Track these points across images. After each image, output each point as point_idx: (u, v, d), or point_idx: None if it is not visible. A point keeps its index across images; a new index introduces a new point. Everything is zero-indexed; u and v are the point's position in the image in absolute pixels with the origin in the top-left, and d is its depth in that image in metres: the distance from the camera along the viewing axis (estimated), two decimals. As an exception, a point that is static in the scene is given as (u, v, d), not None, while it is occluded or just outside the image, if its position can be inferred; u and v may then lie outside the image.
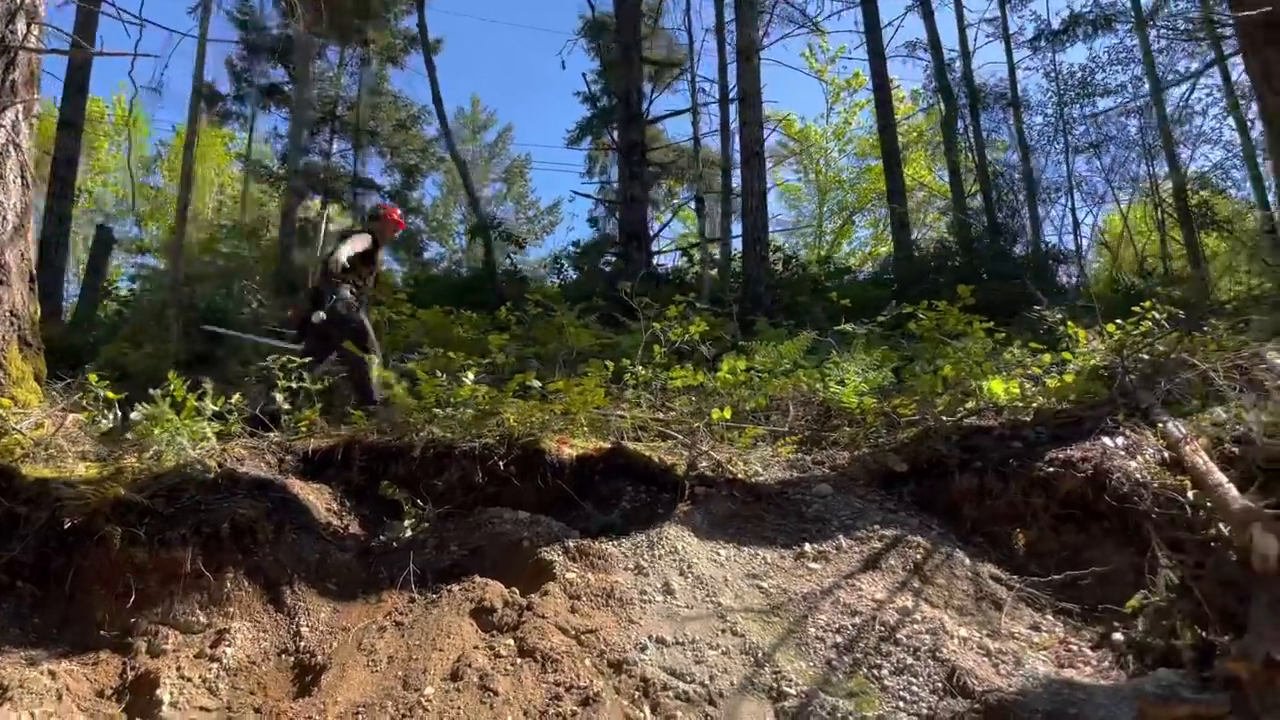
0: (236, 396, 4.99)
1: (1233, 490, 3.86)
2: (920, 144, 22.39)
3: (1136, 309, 6.17)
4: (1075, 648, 3.64)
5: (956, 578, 4.05)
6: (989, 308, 9.44)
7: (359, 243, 6.55)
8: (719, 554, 4.15)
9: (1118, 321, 6.17)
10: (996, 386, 5.53)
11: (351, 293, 6.38)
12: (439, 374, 5.30)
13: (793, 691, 3.23)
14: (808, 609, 3.74)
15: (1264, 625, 3.31)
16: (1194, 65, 16.65)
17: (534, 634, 3.50)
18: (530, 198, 40.41)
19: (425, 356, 5.95)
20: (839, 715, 3.09)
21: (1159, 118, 17.63)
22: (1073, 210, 16.71)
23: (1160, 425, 4.61)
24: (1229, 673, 3.14)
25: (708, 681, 3.29)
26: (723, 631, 3.58)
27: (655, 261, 15.42)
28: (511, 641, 3.50)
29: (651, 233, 16.04)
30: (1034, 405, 5.31)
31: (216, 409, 4.81)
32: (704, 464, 4.97)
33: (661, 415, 5.79)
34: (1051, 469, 4.46)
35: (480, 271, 15.15)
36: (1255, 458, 4.26)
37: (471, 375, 5.00)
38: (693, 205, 18.31)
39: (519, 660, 3.38)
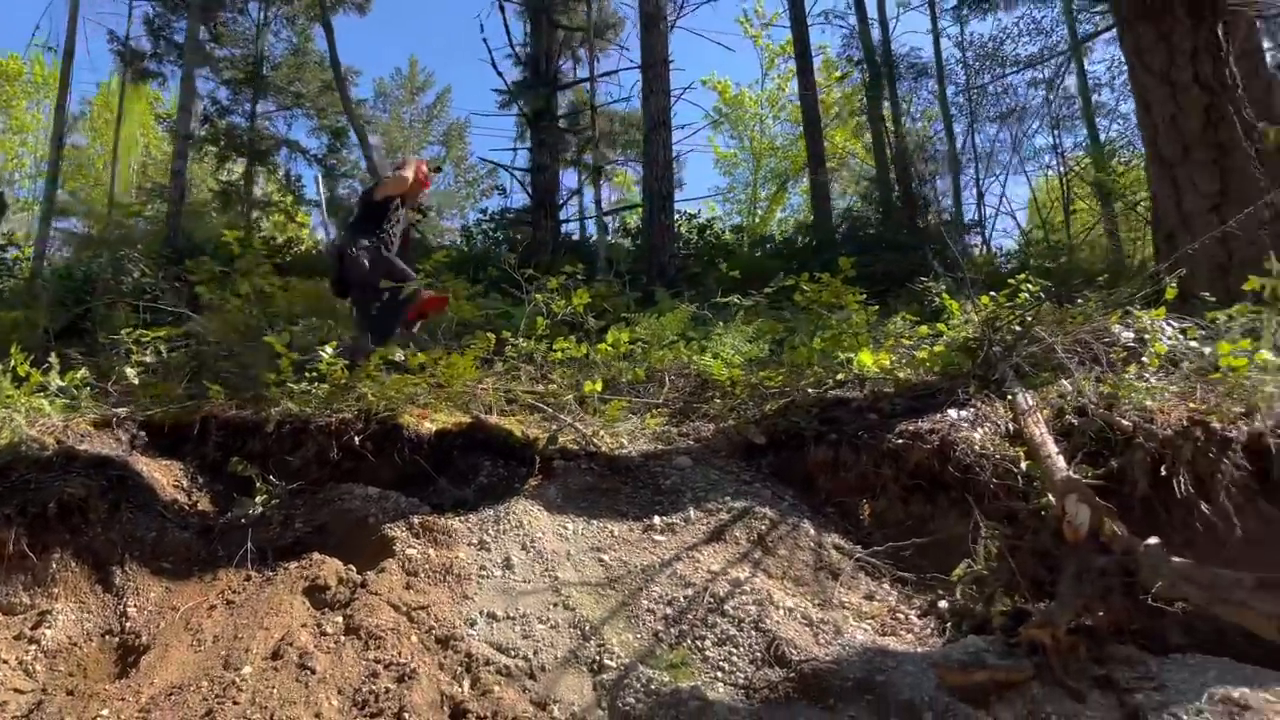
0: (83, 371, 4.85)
1: (1060, 461, 3.98)
2: (846, 113, 22.49)
3: (1011, 281, 6.27)
4: (902, 616, 3.73)
5: (800, 549, 4.12)
6: (891, 278, 9.58)
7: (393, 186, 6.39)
8: (566, 528, 4.16)
9: (991, 294, 6.27)
10: (866, 358, 5.60)
11: (369, 243, 6.17)
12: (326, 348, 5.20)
13: (613, 664, 3.26)
14: (644, 582, 3.77)
15: (1069, 593, 3.42)
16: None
17: (363, 611, 3.49)
18: (469, 161, 39.75)
19: (297, 328, 5.85)
20: (654, 686, 3.13)
21: (1080, 88, 17.95)
22: (978, 182, 16.98)
23: (1010, 397, 4.71)
24: (1033, 639, 3.24)
25: (531, 656, 3.31)
26: (555, 605, 3.60)
27: (564, 230, 15.29)
28: (340, 619, 3.49)
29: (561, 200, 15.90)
30: (899, 377, 5.39)
31: (64, 383, 4.67)
32: (569, 437, 4.97)
33: (539, 388, 5.78)
34: (901, 441, 4.54)
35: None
36: (1089, 429, 4.38)
37: (331, 349, 4.91)
38: (635, 176, 18.13)
39: (343, 638, 3.37)
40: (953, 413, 4.60)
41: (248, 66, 22.87)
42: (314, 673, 3.15)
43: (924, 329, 6.25)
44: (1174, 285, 5.10)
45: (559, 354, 6.09)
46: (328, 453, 4.68)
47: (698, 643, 3.40)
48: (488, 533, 4.05)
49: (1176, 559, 3.78)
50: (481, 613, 3.54)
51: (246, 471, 4.54)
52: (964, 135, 17.31)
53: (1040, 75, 17.31)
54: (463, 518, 4.19)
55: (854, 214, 14.97)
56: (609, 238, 14.66)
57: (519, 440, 4.90)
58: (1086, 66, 18.42)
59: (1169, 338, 4.74)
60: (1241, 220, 5.49)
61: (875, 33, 17.90)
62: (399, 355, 5.01)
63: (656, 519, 4.27)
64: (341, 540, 4.10)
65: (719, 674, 3.25)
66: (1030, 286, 6.13)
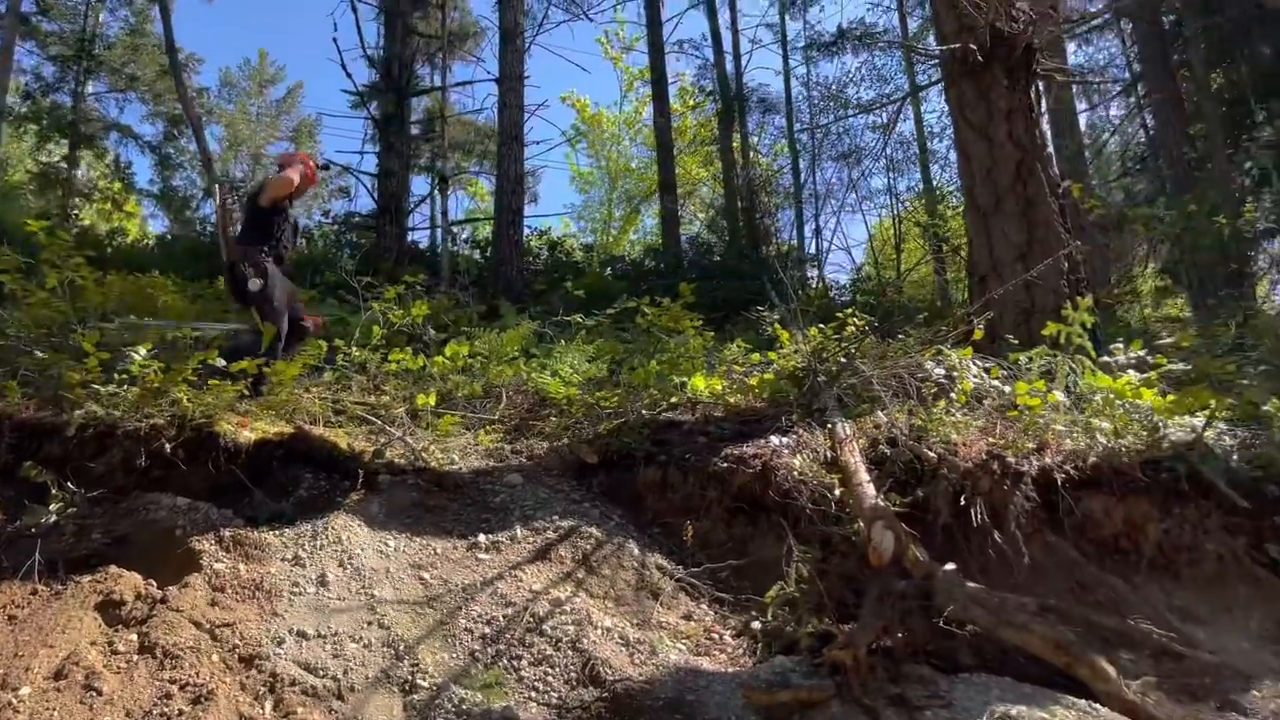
0: None
1: (870, 489, 4.19)
2: (698, 141, 23.02)
3: (839, 315, 6.57)
4: (717, 636, 3.83)
5: (623, 568, 4.17)
6: (731, 305, 9.84)
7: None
8: (387, 544, 4.07)
9: (820, 326, 6.55)
10: (699, 383, 5.75)
11: (265, 251, 5.81)
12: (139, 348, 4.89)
13: (426, 684, 3.21)
14: (464, 600, 3.73)
15: (870, 616, 3.61)
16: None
17: (161, 629, 3.31)
18: (319, 160, 38.30)
19: (111, 326, 5.51)
20: (466, 707, 3.11)
21: (916, 134, 19.03)
22: (816, 217, 17.78)
23: (830, 426, 4.93)
24: (835, 660, 3.39)
25: (341, 675, 3.22)
26: (370, 624, 3.52)
27: (411, 239, 15.03)
28: (135, 637, 3.29)
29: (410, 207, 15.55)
30: (730, 402, 5.55)
31: None
32: (397, 451, 4.88)
33: (370, 399, 5.64)
34: (726, 464, 4.68)
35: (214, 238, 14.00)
36: (899, 459, 4.64)
37: (144, 350, 4.64)
38: (490, 187, 17.88)
39: (136, 657, 3.19)
40: (776, 439, 4.78)
41: (77, 43, 21.47)
42: (100, 694, 2.96)
43: (756, 356, 6.47)
44: (982, 327, 5.47)
45: (394, 365, 5.97)
46: (135, 459, 4.40)
47: (514, 662, 3.39)
48: (304, 548, 3.92)
49: (971, 584, 4.05)
50: (291, 631, 3.42)
51: (41, 477, 4.22)
52: (807, 171, 18.09)
53: (878, 119, 18.30)
54: (278, 532, 4.03)
55: (700, 241, 15.35)
56: (458, 249, 14.47)
57: (344, 453, 4.77)
58: (923, 114, 19.62)
59: (975, 376, 5.08)
60: (1044, 270, 5.94)
61: (729, 65, 18.48)
62: (219, 361, 4.77)
63: (482, 537, 4.24)
64: (144, 553, 3.86)
65: (533, 694, 3.25)
66: (856, 321, 6.44)
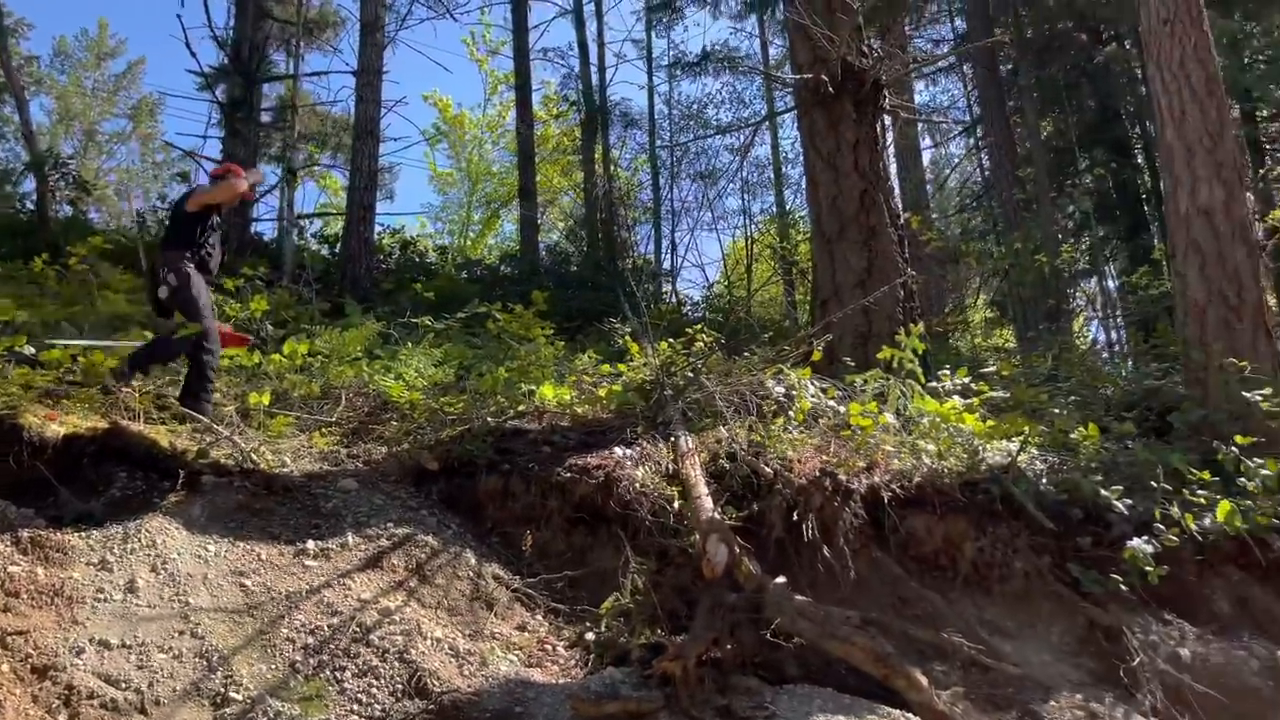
0: None
1: (708, 502, 4.26)
2: (560, 150, 22.98)
3: (689, 330, 6.68)
4: (551, 647, 3.81)
5: (458, 578, 4.09)
6: (586, 315, 9.84)
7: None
8: (207, 549, 3.85)
9: (670, 340, 6.64)
10: (548, 392, 5.72)
11: (188, 257, 5.59)
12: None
13: (240, 697, 3.06)
14: (287, 609, 3.57)
15: (701, 627, 3.66)
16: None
17: (-58, 638, 3.02)
18: (157, 142, 36.18)
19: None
20: (282, 721, 2.97)
21: (773, 158, 19.60)
22: (672, 231, 18.10)
23: (672, 439, 4.99)
24: (665, 671, 3.43)
25: (145, 688, 3.02)
26: (181, 633, 3.32)
27: (255, 230, 14.33)
28: (-92, 647, 3.00)
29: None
30: (578, 412, 5.55)
31: None
32: (224, 451, 4.64)
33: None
34: (569, 474, 4.67)
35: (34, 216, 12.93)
36: (738, 474, 4.75)
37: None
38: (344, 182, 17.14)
39: (-91, 669, 2.90)
40: (619, 450, 4.80)
41: None
42: None
43: (606, 368, 6.50)
44: (822, 349, 5.67)
45: (225, 361, 5.68)
46: (-78, 454, 4.03)
47: (336, 674, 3.27)
48: (112, 551, 3.66)
49: (800, 598, 4.18)
50: (92, 640, 3.18)
51: None
52: (666, 188, 18.39)
53: (736, 142, 18.79)
54: (84, 534, 3.75)
55: (558, 249, 15.34)
56: (305, 243, 13.90)
57: (165, 451, 4.50)
58: (779, 140, 20.25)
59: (812, 395, 5.26)
60: (881, 297, 6.22)
61: (594, 77, 18.57)
62: (29, 349, 4.42)
63: (311, 543, 4.07)
64: (-75, 555, 3.53)
65: (355, 706, 3.14)
66: (704, 337, 6.57)
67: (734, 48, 19.42)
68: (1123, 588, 4.76)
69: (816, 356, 5.59)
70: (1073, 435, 5.95)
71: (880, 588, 4.59)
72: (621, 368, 6.38)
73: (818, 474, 4.70)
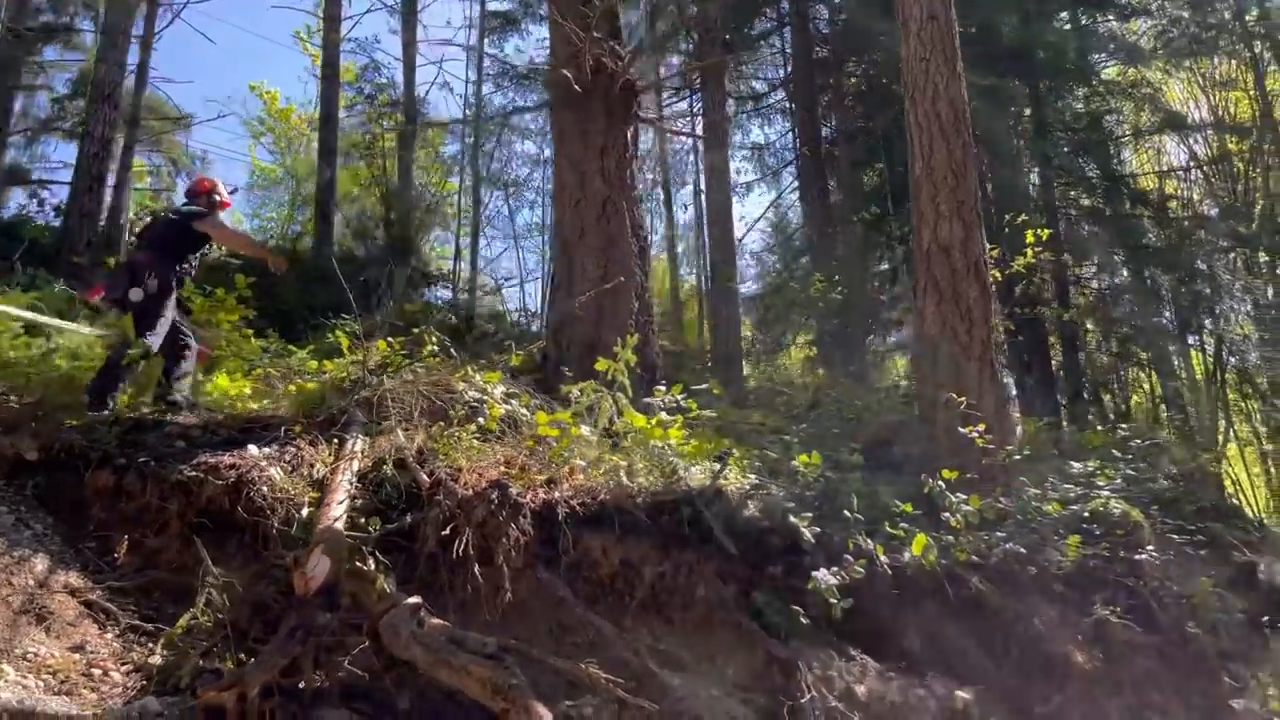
0: None
1: (336, 510, 3.78)
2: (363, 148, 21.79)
3: (415, 330, 6.20)
4: (102, 671, 3.23)
5: (12, 587, 3.44)
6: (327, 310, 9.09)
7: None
8: None
9: (389, 340, 6.13)
10: (223, 382, 5.11)
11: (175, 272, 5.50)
12: None
13: None
14: None
15: (274, 652, 3.17)
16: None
17: None
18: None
19: None
20: None
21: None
22: (456, 235, 17.62)
23: (336, 441, 4.50)
24: (211, 702, 2.91)
25: None
26: None
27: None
28: None
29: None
30: (251, 407, 4.97)
31: None
32: None
33: None
34: (193, 473, 4.08)
35: None
36: (401, 482, 4.29)
37: None
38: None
39: None
40: (255, 449, 4.25)
41: None
42: None
43: (314, 364, 5.94)
44: (520, 354, 5.31)
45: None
46: None
47: None
48: None
49: (437, 620, 3.74)
50: None
51: None
52: (470, 195, 17.91)
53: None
54: None
55: (343, 246, 14.49)
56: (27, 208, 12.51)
57: None
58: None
59: (502, 402, 4.86)
60: (614, 307, 5.93)
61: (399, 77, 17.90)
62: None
63: None
64: None
65: None
66: (432, 338, 6.10)
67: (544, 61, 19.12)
68: (803, 620, 4.57)
69: (515, 361, 5.21)
70: (793, 462, 5.80)
71: (541, 612, 4.21)
72: (329, 365, 5.83)
73: (485, 486, 4.28)
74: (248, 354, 5.79)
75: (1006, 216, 8.60)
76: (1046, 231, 7.88)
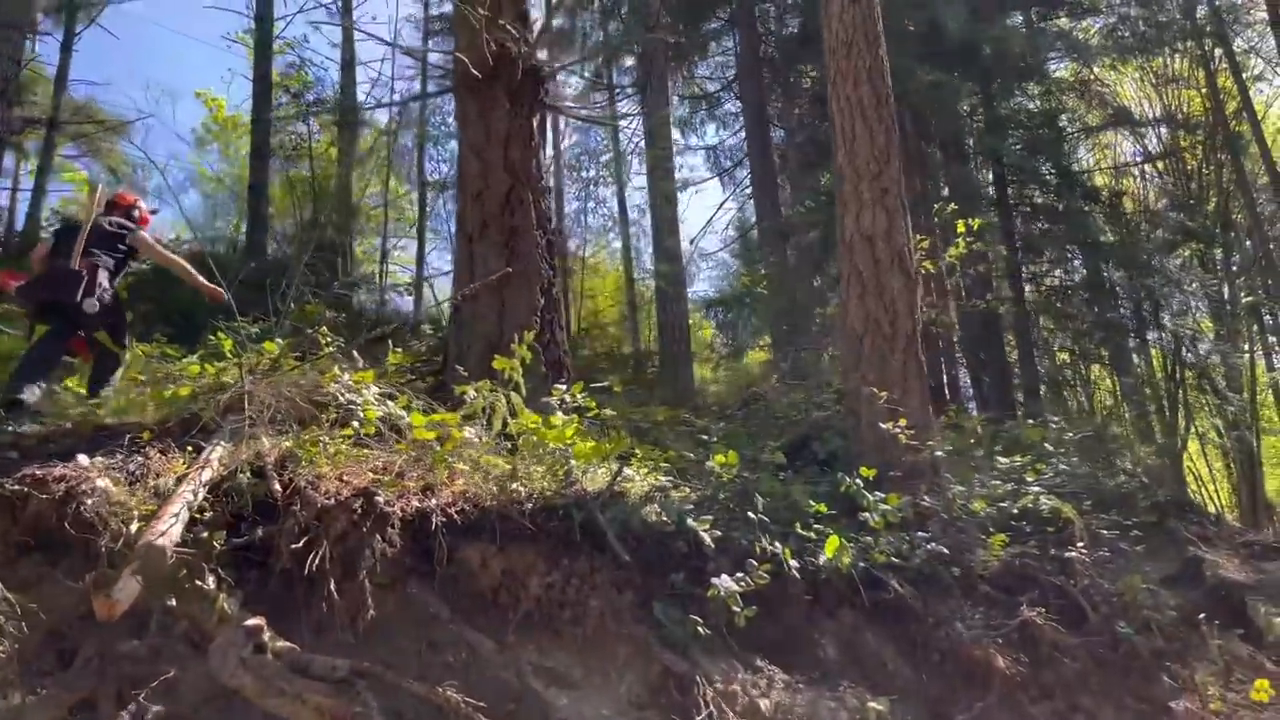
0: None
1: (164, 524, 3.42)
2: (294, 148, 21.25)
3: (310, 331, 5.87)
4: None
5: None
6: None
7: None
8: None
9: (277, 340, 5.78)
10: (73, 385, 4.75)
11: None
12: None
13: None
14: None
15: (60, 689, 2.83)
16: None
17: None
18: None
19: None
20: None
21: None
22: (384, 238, 17.34)
23: (189, 448, 4.15)
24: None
25: None
26: None
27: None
28: None
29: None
30: (102, 413, 4.61)
31: None
32: None
33: None
34: (19, 487, 3.70)
35: None
36: (257, 492, 3.95)
37: None
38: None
39: None
40: (85, 459, 3.87)
41: None
42: None
43: (195, 369, 5.57)
44: (400, 352, 4.97)
45: None
46: None
47: None
48: None
49: (283, 643, 3.41)
50: None
51: None
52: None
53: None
54: None
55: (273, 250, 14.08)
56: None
57: None
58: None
59: (377, 403, 4.53)
60: (516, 302, 5.61)
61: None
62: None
63: None
64: None
65: None
66: (325, 338, 5.78)
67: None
68: (702, 631, 4.26)
69: (395, 360, 4.88)
70: (709, 463, 5.51)
71: (409, 630, 3.86)
72: (209, 369, 5.47)
73: (347, 495, 3.94)
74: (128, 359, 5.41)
75: (935, 206, 8.31)
76: (979, 221, 7.61)
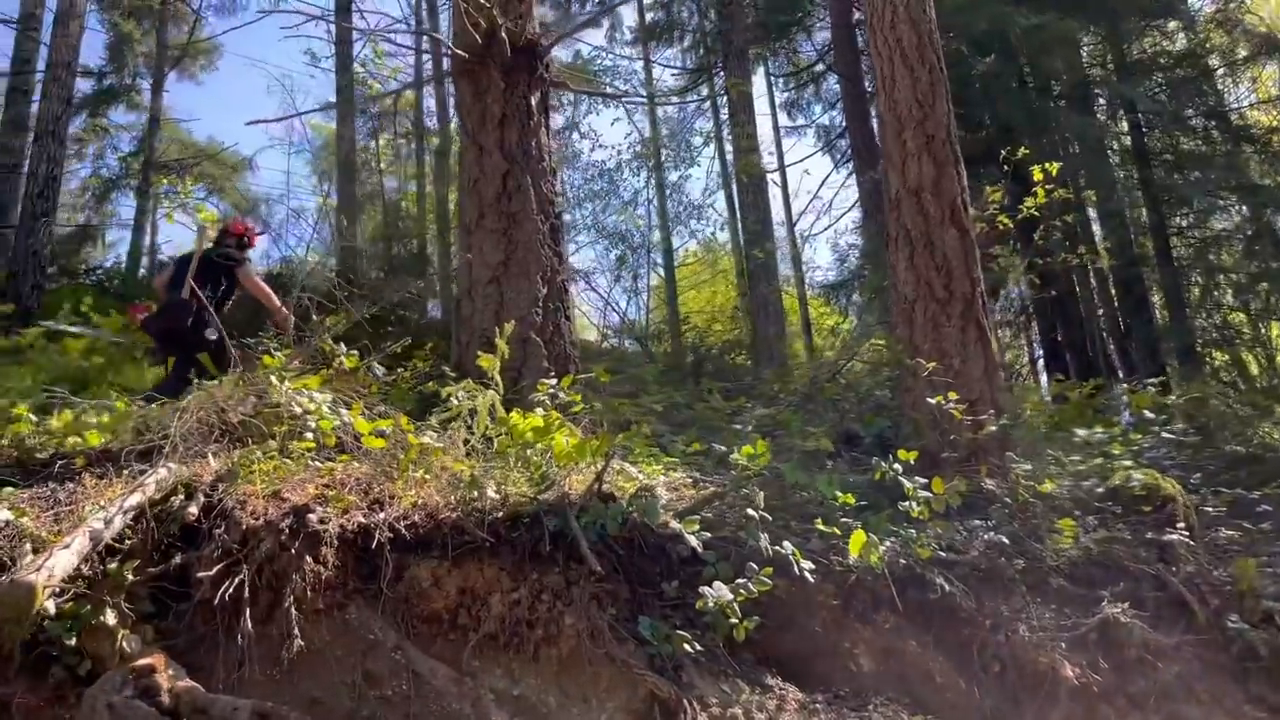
0: None
1: (54, 559, 3.13)
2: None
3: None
4: None
5: None
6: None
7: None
8: None
9: (273, 353, 5.55)
10: (21, 413, 4.57)
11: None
12: None
13: None
14: None
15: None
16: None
17: None
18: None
19: None
20: None
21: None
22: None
23: (125, 470, 3.89)
24: None
25: None
26: None
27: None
28: None
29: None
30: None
31: None
32: None
33: None
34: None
35: None
36: (183, 515, 3.65)
37: None
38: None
39: None
40: (-4, 489, 3.66)
41: None
42: None
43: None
44: (352, 355, 4.59)
45: None
46: None
47: None
48: None
49: (185, 683, 3.08)
50: None
51: None
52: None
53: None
54: None
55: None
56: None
57: None
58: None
59: (330, 410, 4.17)
60: (516, 294, 5.18)
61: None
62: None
63: None
64: None
65: None
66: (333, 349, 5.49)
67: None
68: (696, 647, 3.70)
69: (350, 364, 4.51)
70: (733, 455, 4.92)
71: (343, 660, 3.46)
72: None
73: (278, 514, 3.59)
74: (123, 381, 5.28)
75: (1003, 152, 7.39)
76: (1055, 166, 6.69)
